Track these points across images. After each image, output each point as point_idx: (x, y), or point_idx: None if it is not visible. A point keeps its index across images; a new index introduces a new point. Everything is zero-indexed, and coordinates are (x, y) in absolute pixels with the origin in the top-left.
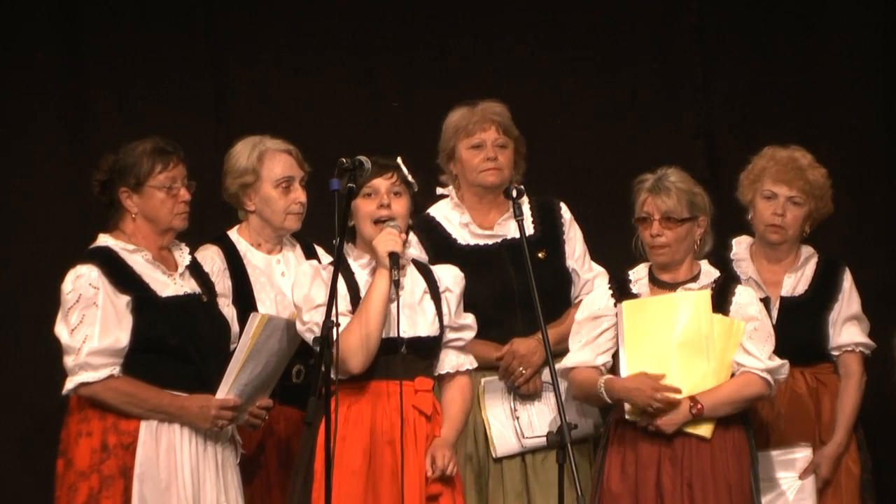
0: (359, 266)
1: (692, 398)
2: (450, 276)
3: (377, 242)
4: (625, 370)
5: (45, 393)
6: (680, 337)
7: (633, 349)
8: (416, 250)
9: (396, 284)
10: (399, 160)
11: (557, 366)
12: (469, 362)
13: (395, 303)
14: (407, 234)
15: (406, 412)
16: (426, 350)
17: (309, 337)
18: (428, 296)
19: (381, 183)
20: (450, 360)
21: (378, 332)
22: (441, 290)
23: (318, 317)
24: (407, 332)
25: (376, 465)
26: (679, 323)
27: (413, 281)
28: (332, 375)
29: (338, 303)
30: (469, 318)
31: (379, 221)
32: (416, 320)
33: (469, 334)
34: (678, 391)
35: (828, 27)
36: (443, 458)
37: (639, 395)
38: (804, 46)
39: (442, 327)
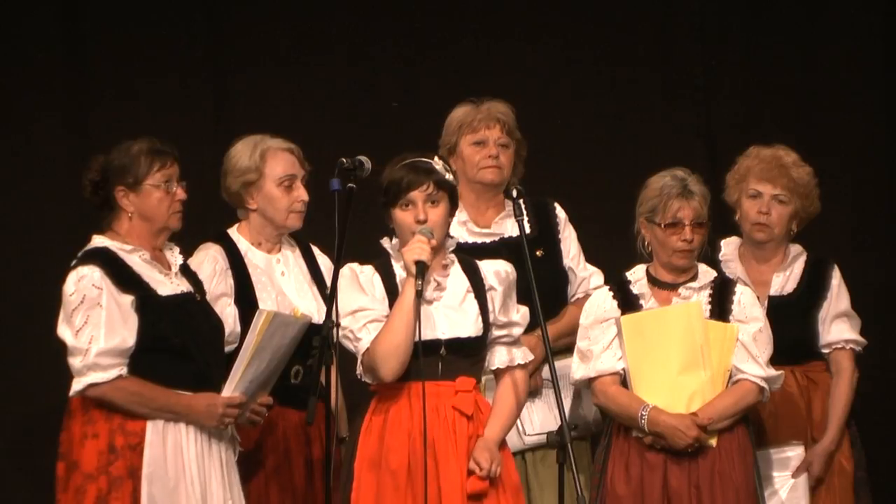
0: (401, 268)
1: (699, 421)
2: (495, 273)
3: (405, 251)
4: (632, 388)
5: (39, 394)
6: (677, 353)
7: (635, 367)
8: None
9: (419, 294)
10: (435, 160)
11: (580, 375)
12: (521, 356)
13: (420, 310)
14: (448, 233)
15: (446, 413)
16: (467, 350)
17: (346, 343)
18: (471, 294)
19: (418, 196)
20: (500, 357)
21: (407, 340)
22: (486, 287)
23: (355, 323)
24: (447, 333)
25: (414, 467)
26: (674, 337)
27: (457, 280)
28: (333, 375)
29: (337, 306)
30: (518, 314)
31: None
32: (456, 321)
33: (517, 330)
34: (714, 436)
35: (828, 27)
36: (486, 461)
37: (680, 437)
38: (804, 47)
39: (486, 325)
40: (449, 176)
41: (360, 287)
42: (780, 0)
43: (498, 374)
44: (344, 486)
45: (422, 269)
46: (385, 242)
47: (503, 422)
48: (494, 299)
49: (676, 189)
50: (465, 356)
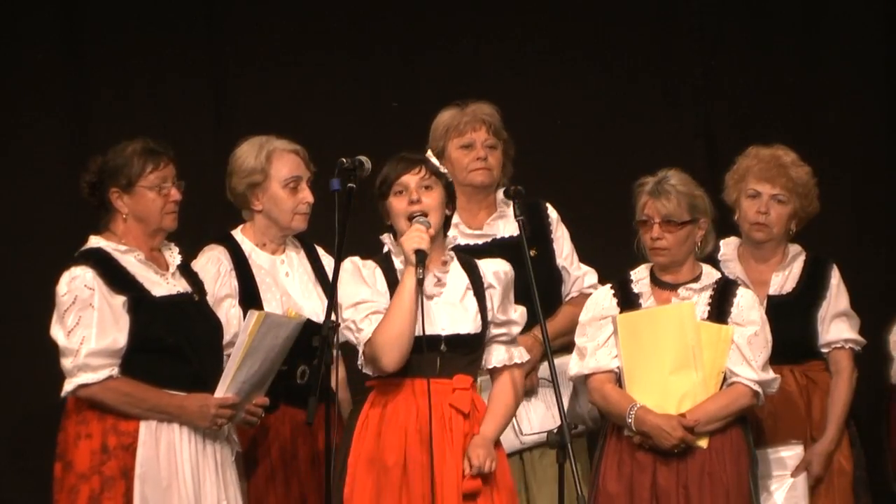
0: (400, 262)
1: (685, 422)
2: (494, 272)
3: (404, 240)
4: (625, 386)
5: (38, 395)
6: (669, 353)
7: (629, 366)
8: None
9: (421, 283)
10: (429, 153)
11: (574, 371)
12: (518, 355)
13: (422, 300)
14: (448, 224)
15: (443, 410)
16: (466, 347)
17: (347, 335)
18: (471, 292)
19: (410, 179)
20: (497, 355)
21: (409, 329)
22: (485, 285)
23: (357, 314)
24: (447, 329)
25: (410, 463)
26: (666, 337)
27: (456, 276)
28: (334, 376)
29: (336, 303)
30: (516, 313)
31: (412, 217)
32: (456, 317)
33: (515, 329)
34: (703, 438)
35: (828, 27)
36: (477, 457)
37: (665, 438)
38: (804, 46)
39: (485, 323)
40: (443, 169)
41: (362, 279)
42: (780, 0)
43: (495, 372)
44: (336, 482)
45: (422, 258)
46: (385, 238)
47: (499, 420)
48: (493, 297)
49: (648, 187)
50: (463, 353)
